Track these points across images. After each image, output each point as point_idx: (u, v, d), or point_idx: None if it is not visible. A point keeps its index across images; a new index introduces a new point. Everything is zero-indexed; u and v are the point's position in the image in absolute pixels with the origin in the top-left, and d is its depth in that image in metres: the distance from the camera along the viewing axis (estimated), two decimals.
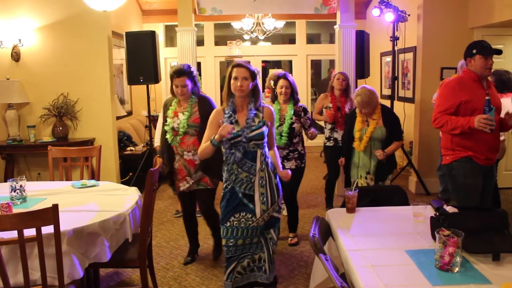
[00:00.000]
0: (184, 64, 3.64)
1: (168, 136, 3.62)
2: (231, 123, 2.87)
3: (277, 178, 3.05)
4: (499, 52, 3.33)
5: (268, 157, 2.99)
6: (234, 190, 2.92)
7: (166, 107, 3.72)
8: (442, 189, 5.33)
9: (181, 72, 3.52)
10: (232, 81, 2.87)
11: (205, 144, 2.94)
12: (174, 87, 3.55)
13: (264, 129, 2.89)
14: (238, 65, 2.88)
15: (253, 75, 2.90)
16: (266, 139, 2.93)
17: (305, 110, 4.16)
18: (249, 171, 2.89)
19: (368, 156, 4.03)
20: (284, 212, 4.63)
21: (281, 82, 4.09)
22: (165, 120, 3.67)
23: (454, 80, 3.46)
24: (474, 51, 3.31)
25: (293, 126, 4.05)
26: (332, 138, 5.04)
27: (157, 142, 4.22)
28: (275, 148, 3.16)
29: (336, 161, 4.65)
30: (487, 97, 3.09)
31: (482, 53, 3.27)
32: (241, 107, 2.96)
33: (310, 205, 5.58)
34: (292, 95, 4.12)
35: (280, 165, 3.14)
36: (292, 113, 4.07)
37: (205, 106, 3.58)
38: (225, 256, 3.03)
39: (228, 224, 2.95)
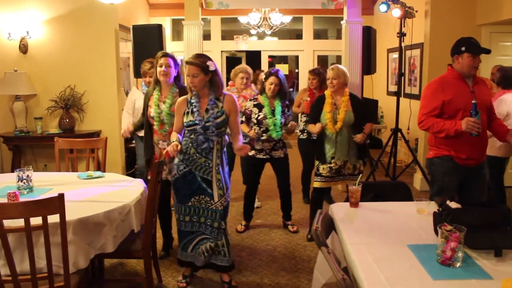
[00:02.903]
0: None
1: (156, 124, 3.66)
2: (192, 111, 3.14)
3: (227, 167, 3.32)
4: (488, 51, 3.25)
5: (224, 146, 3.25)
6: (193, 174, 3.18)
7: (146, 97, 3.75)
8: None
9: (166, 54, 3.65)
10: (186, 77, 3.14)
11: (173, 136, 3.20)
12: (158, 67, 3.60)
13: (221, 119, 3.14)
14: (188, 63, 3.11)
15: (204, 69, 3.10)
16: (223, 128, 3.18)
17: (288, 106, 4.36)
18: (207, 157, 3.16)
19: (335, 141, 4.05)
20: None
21: (272, 79, 4.20)
22: (146, 110, 3.72)
23: (437, 80, 3.38)
24: (463, 48, 3.22)
25: (281, 120, 4.24)
26: (306, 131, 5.12)
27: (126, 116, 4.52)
28: (240, 137, 3.28)
29: (309, 153, 4.88)
30: (473, 101, 3.02)
31: (471, 51, 3.19)
32: (203, 96, 3.20)
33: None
34: (279, 92, 4.24)
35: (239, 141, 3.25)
36: (280, 109, 4.23)
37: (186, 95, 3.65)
38: (181, 229, 3.30)
39: (190, 203, 3.23)
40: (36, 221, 2.19)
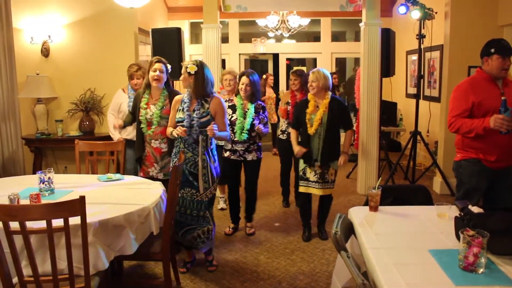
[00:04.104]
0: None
1: (143, 126, 3.92)
2: (183, 109, 3.51)
3: (216, 161, 3.64)
4: None
5: (212, 143, 3.59)
6: (182, 167, 3.37)
7: (137, 99, 4.01)
8: None
9: (160, 60, 3.90)
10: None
11: (169, 130, 3.59)
12: (151, 72, 3.84)
13: (205, 119, 3.45)
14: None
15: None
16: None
17: (263, 108, 4.42)
18: (193, 152, 3.49)
19: (317, 143, 4.11)
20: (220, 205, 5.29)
21: (243, 79, 4.28)
22: (137, 111, 3.96)
23: (466, 82, 3.35)
24: (492, 50, 3.19)
25: (253, 122, 4.27)
26: (286, 132, 5.12)
27: (114, 134, 4.66)
28: (227, 131, 3.63)
29: (288, 154, 4.97)
30: (503, 98, 2.98)
31: (501, 53, 3.15)
32: (194, 97, 3.53)
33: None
34: (252, 93, 4.29)
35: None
36: (253, 111, 4.28)
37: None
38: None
39: (179, 195, 3.46)
40: (57, 222, 2.21)
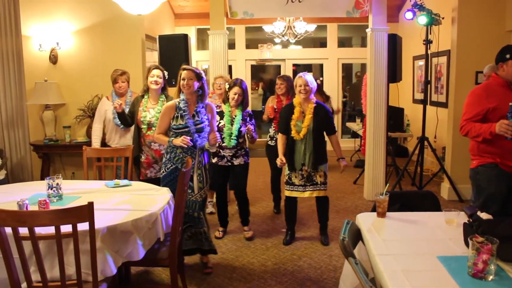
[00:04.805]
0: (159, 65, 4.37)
1: (143, 127, 4.21)
2: (182, 116, 3.60)
3: (207, 161, 3.80)
4: None
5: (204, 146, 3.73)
6: (179, 170, 3.56)
7: (135, 104, 4.29)
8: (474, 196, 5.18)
9: (158, 66, 4.24)
10: (181, 81, 3.59)
11: (162, 138, 3.69)
12: (150, 77, 4.18)
13: (206, 124, 3.67)
14: (185, 68, 3.61)
15: (198, 76, 3.62)
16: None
17: (250, 115, 4.51)
18: (192, 155, 3.62)
19: (304, 148, 4.17)
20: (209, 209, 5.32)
21: (235, 89, 4.32)
22: (136, 115, 4.23)
23: (481, 87, 3.35)
24: (508, 56, 3.18)
25: (241, 129, 4.35)
26: (275, 138, 5.12)
27: (94, 145, 4.80)
28: (216, 133, 3.77)
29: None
30: (510, 103, 2.98)
31: None
32: (191, 103, 3.66)
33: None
34: (242, 102, 4.36)
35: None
36: (241, 118, 4.36)
37: None
38: None
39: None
40: (65, 228, 2.23)
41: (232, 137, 4.32)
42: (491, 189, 3.29)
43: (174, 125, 3.60)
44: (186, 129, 3.59)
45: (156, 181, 4.00)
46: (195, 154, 3.64)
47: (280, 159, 4.19)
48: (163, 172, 3.72)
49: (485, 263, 1.86)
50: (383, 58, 5.68)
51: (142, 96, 4.29)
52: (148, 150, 4.23)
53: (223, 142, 4.32)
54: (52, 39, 5.76)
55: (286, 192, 4.35)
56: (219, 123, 4.34)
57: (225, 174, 4.51)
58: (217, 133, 3.74)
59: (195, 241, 3.65)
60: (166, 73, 4.29)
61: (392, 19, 8.77)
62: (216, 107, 4.38)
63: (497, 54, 3.31)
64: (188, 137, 3.52)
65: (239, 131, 4.34)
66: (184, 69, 3.62)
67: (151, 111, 4.19)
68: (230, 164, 4.41)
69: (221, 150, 4.37)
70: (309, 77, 4.19)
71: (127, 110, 4.45)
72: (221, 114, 4.39)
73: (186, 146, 3.52)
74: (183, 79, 3.58)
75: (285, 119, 4.26)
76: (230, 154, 4.40)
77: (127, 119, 4.38)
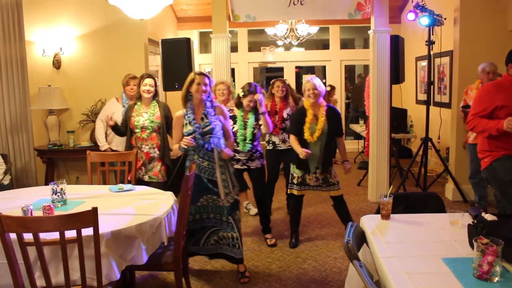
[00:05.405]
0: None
1: (137, 131, 4.28)
2: (190, 122, 3.53)
3: (232, 168, 3.73)
4: None
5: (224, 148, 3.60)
6: (199, 177, 3.52)
7: (128, 111, 4.38)
8: (478, 198, 5.17)
9: (150, 75, 4.37)
10: (195, 86, 3.52)
11: (173, 147, 3.63)
12: (142, 86, 4.30)
13: (216, 124, 3.54)
14: (201, 74, 3.56)
15: (210, 81, 3.61)
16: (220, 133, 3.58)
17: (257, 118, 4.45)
18: (209, 160, 3.53)
19: (318, 150, 4.18)
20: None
21: (250, 97, 4.28)
22: (129, 120, 4.32)
23: (492, 84, 3.40)
24: None
25: (254, 132, 4.36)
26: (270, 142, 5.10)
27: (103, 143, 4.96)
28: (231, 140, 3.75)
29: (274, 164, 5.06)
30: None
31: None
32: (198, 107, 3.58)
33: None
34: (255, 107, 4.35)
35: (224, 149, 3.60)
36: (254, 121, 4.36)
37: (164, 108, 4.43)
38: (193, 228, 3.61)
39: (199, 203, 3.58)
40: (70, 234, 2.23)
41: (246, 142, 4.32)
42: None
43: (185, 132, 3.55)
44: (194, 134, 3.53)
45: (141, 183, 4.20)
46: (213, 159, 3.54)
47: (303, 150, 4.10)
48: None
49: (490, 264, 1.85)
50: (385, 60, 5.67)
51: (135, 104, 4.40)
52: (139, 152, 4.28)
53: (238, 146, 4.31)
54: (56, 44, 5.78)
55: (295, 191, 4.31)
56: (233, 127, 4.28)
57: (240, 177, 4.49)
58: (225, 150, 3.58)
59: (221, 246, 3.65)
60: (157, 79, 4.41)
61: (394, 20, 8.76)
62: (229, 110, 4.37)
63: (507, 55, 3.35)
64: (189, 137, 3.45)
65: (253, 134, 4.34)
66: (199, 74, 3.56)
67: (144, 115, 4.30)
68: (246, 167, 4.41)
69: (236, 154, 4.33)
70: (317, 81, 4.20)
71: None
72: (233, 118, 4.35)
73: (187, 146, 3.46)
74: (198, 84, 3.51)
75: (297, 123, 4.25)
76: (245, 157, 4.39)
77: (119, 129, 4.44)
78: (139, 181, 4.23)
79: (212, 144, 3.52)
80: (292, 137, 4.32)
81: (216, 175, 3.54)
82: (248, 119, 4.36)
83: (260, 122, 4.32)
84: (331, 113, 4.24)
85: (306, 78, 4.31)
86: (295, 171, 4.33)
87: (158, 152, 4.32)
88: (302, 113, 4.26)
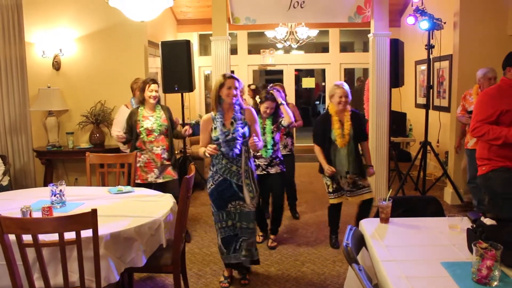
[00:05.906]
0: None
1: (142, 135, 4.23)
2: (218, 127, 3.44)
3: (255, 172, 3.67)
4: None
5: (250, 153, 3.61)
6: (228, 181, 3.49)
7: (132, 116, 4.30)
8: (477, 202, 5.18)
9: (155, 81, 4.29)
10: (226, 90, 3.41)
11: (201, 150, 3.47)
12: (148, 92, 4.23)
13: (245, 129, 3.47)
14: (232, 77, 3.48)
15: (239, 84, 3.50)
16: (247, 138, 3.48)
17: (278, 127, 4.42)
18: (237, 165, 3.49)
19: (347, 155, 4.20)
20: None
21: (268, 103, 4.29)
22: (135, 125, 4.25)
23: (494, 88, 3.35)
24: None
25: (273, 136, 4.35)
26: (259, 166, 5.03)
27: (117, 132, 4.74)
28: (260, 137, 3.59)
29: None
30: None
31: None
32: (227, 111, 3.49)
33: None
34: (274, 113, 4.35)
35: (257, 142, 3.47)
36: (271, 126, 4.34)
37: (169, 112, 4.43)
38: (226, 236, 3.60)
39: (227, 209, 3.55)
40: (69, 235, 2.23)
41: (267, 148, 4.30)
42: (506, 192, 3.25)
43: (214, 136, 3.46)
44: (218, 140, 3.45)
45: (155, 186, 4.16)
46: (240, 163, 3.48)
47: (329, 167, 4.15)
48: (211, 185, 3.55)
49: (489, 269, 1.85)
50: (385, 63, 5.68)
51: (137, 108, 4.33)
52: (150, 154, 4.25)
53: (258, 152, 4.29)
54: (55, 45, 5.78)
55: (332, 200, 4.34)
56: None
57: (260, 182, 4.43)
58: (255, 138, 3.41)
59: (250, 253, 3.65)
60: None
61: (394, 24, 8.77)
62: None
63: (504, 60, 3.33)
64: (214, 145, 3.37)
65: (273, 139, 4.34)
66: (230, 77, 3.47)
67: (151, 119, 4.25)
68: (265, 172, 4.37)
69: (256, 160, 4.32)
70: (347, 87, 4.21)
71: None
72: None
73: (211, 154, 3.37)
74: (229, 88, 3.40)
75: (322, 131, 4.27)
76: (266, 163, 4.37)
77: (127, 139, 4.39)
78: (150, 185, 4.16)
79: (237, 151, 3.44)
80: (317, 148, 4.31)
81: (241, 179, 3.50)
82: (266, 125, 4.34)
83: (283, 123, 4.28)
84: (355, 117, 4.28)
85: (334, 82, 4.29)
86: (327, 180, 4.32)
87: (167, 153, 4.32)
88: (325, 120, 4.26)
